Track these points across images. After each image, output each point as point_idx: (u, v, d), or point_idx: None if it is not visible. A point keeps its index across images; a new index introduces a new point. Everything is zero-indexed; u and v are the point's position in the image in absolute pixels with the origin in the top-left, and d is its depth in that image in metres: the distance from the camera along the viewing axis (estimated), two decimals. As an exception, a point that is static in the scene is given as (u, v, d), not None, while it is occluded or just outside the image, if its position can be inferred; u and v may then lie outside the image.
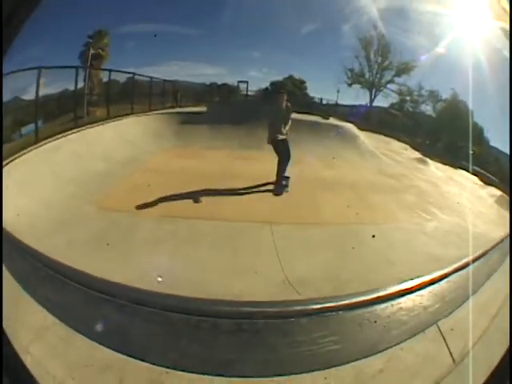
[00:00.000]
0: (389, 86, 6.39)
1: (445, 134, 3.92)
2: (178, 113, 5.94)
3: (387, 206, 3.57)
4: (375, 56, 6.34)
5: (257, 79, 6.45)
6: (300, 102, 6.49)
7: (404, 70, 6.26)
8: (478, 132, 5.00)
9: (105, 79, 5.59)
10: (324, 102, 6.56)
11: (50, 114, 4.82)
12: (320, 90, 6.41)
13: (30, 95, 4.51)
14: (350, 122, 6.14)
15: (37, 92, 4.35)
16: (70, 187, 3.68)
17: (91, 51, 5.22)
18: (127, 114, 5.62)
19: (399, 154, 5.56)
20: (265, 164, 4.57)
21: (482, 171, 4.47)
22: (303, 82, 6.44)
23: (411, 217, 3.38)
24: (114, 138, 5.07)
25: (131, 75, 5.46)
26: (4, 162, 3.50)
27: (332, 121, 6.22)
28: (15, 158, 3.73)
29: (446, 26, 4.70)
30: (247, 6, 5.52)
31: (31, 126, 4.55)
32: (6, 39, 1.16)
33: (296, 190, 3.82)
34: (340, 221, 3.18)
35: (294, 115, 5.81)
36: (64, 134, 4.62)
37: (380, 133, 6.11)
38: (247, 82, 6.38)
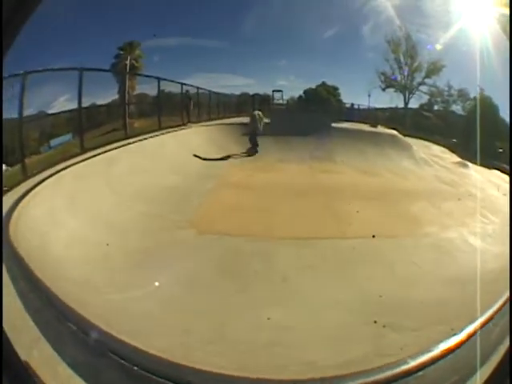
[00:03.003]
0: (420, 88, 6.55)
1: (475, 134, 3.95)
2: (232, 124, 5.93)
3: (458, 213, 3.69)
4: (405, 58, 6.44)
5: (286, 88, 6.53)
6: (334, 108, 6.49)
7: (433, 70, 6.34)
8: (505, 128, 4.96)
9: (145, 90, 5.45)
10: (355, 107, 6.69)
11: (91, 125, 4.48)
12: (353, 95, 6.58)
13: (55, 108, 4.22)
14: (393, 128, 6.13)
15: (79, 99, 3.99)
16: (140, 206, 3.19)
17: (128, 62, 5.10)
18: (180, 125, 5.46)
19: (442, 158, 5.72)
20: (343, 175, 4.70)
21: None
22: (336, 89, 6.47)
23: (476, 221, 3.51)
24: (177, 149, 4.73)
25: (161, 87, 5.32)
26: (42, 176, 3.08)
27: (380, 129, 6.33)
28: (57, 172, 3.19)
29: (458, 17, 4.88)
30: (271, 15, 5.73)
31: (62, 138, 4.17)
32: (6, 40, 1.15)
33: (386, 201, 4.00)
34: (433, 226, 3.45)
35: (343, 124, 6.17)
36: (117, 144, 4.13)
37: (418, 137, 6.17)
38: (282, 91, 6.38)
